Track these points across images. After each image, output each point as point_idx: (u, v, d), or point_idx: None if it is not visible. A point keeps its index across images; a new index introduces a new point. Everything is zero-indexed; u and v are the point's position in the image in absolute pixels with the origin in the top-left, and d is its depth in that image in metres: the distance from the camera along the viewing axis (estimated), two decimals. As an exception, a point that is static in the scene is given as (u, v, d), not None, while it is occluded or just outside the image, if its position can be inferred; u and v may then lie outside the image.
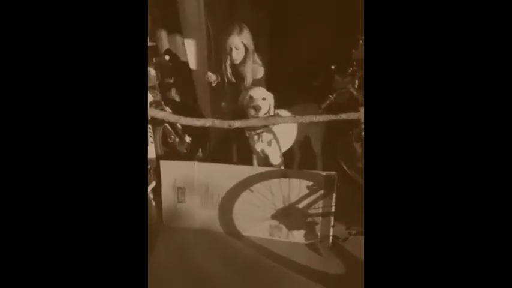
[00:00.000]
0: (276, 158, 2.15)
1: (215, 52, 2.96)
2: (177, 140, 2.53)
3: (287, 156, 2.28)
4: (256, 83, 2.18)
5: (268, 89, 2.10)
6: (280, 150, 2.16)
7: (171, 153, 2.47)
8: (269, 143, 2.11)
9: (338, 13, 4.52)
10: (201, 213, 2.06)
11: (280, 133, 2.11)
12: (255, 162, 2.30)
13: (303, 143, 2.40)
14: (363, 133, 1.78)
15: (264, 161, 2.22)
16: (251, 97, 1.98)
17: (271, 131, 2.06)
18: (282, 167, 2.18)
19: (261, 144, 2.12)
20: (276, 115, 2.03)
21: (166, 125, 2.46)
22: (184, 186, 2.05)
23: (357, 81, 2.07)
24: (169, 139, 2.51)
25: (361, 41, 2.84)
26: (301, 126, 2.22)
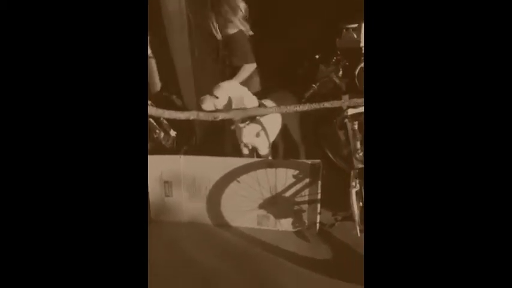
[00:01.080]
0: (264, 149, 2.16)
1: (197, 43, 2.92)
2: (162, 134, 2.51)
3: (273, 146, 2.29)
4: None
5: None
6: (269, 140, 2.16)
7: (156, 147, 2.46)
8: (257, 135, 2.11)
9: (322, 2, 4.51)
10: (189, 206, 2.06)
11: (267, 123, 2.11)
12: (244, 153, 2.30)
13: (287, 132, 2.42)
14: (346, 120, 1.80)
15: (252, 152, 2.22)
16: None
17: (259, 122, 2.07)
18: (270, 157, 2.19)
19: (248, 136, 2.12)
20: (261, 105, 2.02)
21: (151, 119, 2.44)
22: (171, 180, 2.05)
23: (340, 70, 2.09)
24: (154, 134, 2.49)
25: (344, 30, 2.85)
26: (285, 116, 2.23)
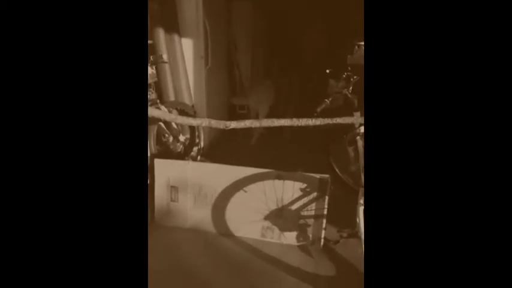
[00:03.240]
0: None
1: (212, 51, 2.97)
2: (171, 138, 2.52)
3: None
4: None
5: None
6: None
7: (164, 152, 2.47)
8: None
9: (335, 19, 4.59)
10: (194, 212, 2.06)
11: None
12: None
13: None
14: (358, 137, 1.80)
15: None
16: None
17: None
18: None
19: None
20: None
21: (161, 123, 2.46)
22: (178, 186, 2.05)
23: (351, 86, 2.11)
24: (163, 138, 2.51)
25: (356, 47, 2.88)
26: None
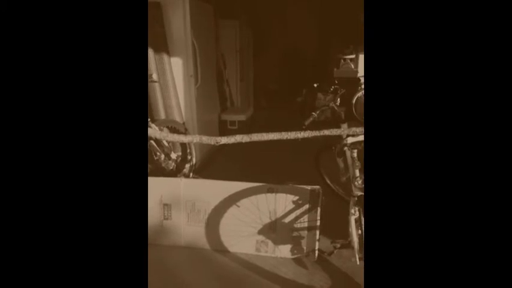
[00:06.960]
0: None
1: (201, 69, 3.02)
2: (163, 156, 2.53)
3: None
4: None
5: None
6: None
7: (156, 170, 2.47)
8: None
9: (320, 32, 4.71)
10: (188, 230, 2.05)
11: None
12: None
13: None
14: (346, 148, 1.85)
15: None
16: None
17: None
18: None
19: None
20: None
21: (152, 141, 2.47)
22: (170, 203, 2.05)
23: (338, 99, 2.17)
24: (154, 156, 2.52)
25: (342, 60, 2.97)
26: None
